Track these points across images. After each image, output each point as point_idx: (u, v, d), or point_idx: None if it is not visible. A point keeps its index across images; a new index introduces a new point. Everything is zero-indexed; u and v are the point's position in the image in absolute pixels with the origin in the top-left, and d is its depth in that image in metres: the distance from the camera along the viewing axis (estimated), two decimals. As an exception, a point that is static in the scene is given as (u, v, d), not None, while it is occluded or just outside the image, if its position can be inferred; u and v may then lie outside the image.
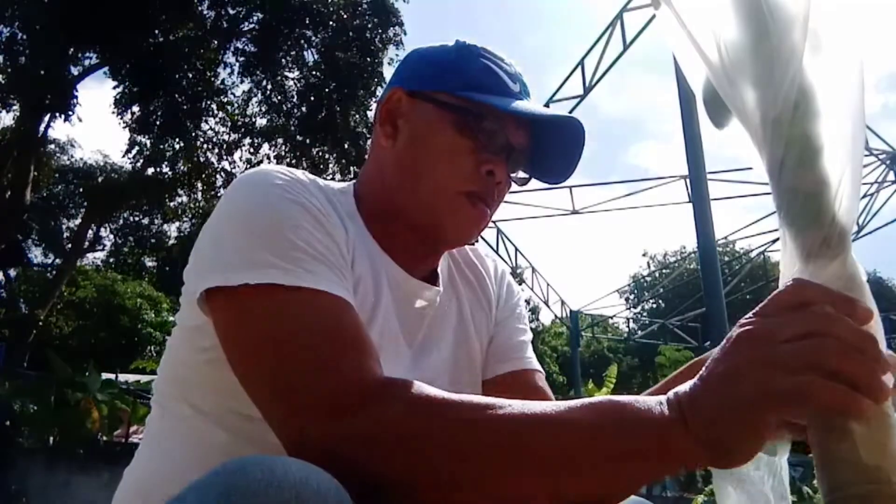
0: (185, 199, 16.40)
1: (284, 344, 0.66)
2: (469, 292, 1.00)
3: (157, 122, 13.43)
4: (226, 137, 14.90)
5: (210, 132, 14.67)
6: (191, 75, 13.33)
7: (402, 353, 0.86)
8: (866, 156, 8.05)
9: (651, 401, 0.56)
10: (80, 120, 14.24)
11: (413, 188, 0.87)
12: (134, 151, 14.05)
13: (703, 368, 0.55)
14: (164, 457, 0.81)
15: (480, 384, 0.97)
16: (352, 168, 13.95)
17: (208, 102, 14.04)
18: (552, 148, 0.90)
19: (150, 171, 14.64)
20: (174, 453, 0.79)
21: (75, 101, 12.97)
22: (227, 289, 0.70)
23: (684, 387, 0.56)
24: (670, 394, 0.56)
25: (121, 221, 21.60)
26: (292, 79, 14.52)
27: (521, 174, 0.93)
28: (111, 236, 22.08)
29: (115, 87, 13.18)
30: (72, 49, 12.75)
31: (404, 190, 0.87)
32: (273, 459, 0.51)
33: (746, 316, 0.55)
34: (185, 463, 0.76)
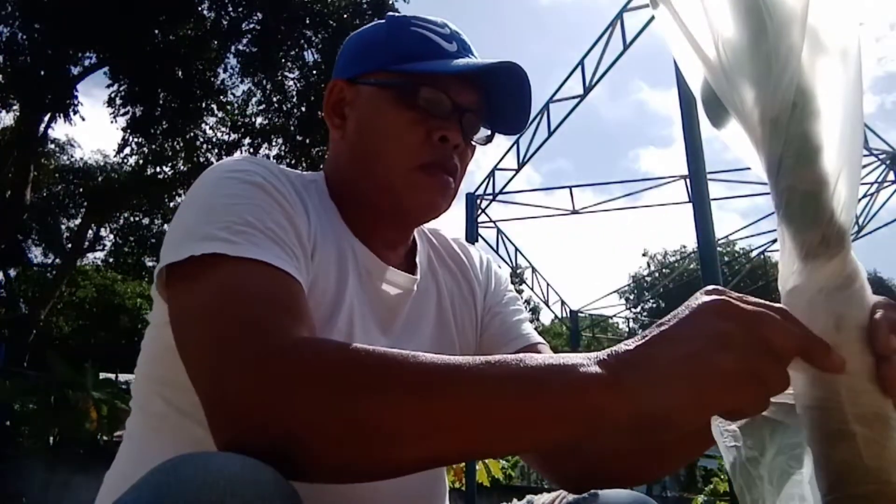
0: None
1: (218, 311, 0.64)
2: (450, 281, 0.99)
3: (157, 123, 13.44)
4: (225, 138, 14.91)
5: (210, 132, 14.68)
6: (192, 75, 13.33)
7: (375, 341, 0.83)
8: (866, 156, 8.05)
9: (578, 358, 0.55)
10: (84, 119, 14.25)
11: (368, 173, 0.86)
12: (126, 150, 14.05)
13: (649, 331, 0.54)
14: (143, 457, 0.76)
15: None
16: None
17: (208, 102, 14.04)
18: (503, 98, 0.88)
19: (150, 171, 14.64)
20: (153, 453, 0.74)
21: (75, 100, 12.98)
22: (176, 266, 0.68)
23: (624, 345, 0.54)
24: (605, 352, 0.55)
25: (121, 221, 21.61)
26: (292, 79, 14.53)
27: (482, 133, 0.91)
28: (111, 236, 22.09)
29: (107, 86, 13.17)
30: (72, 49, 12.75)
31: (361, 177, 0.87)
32: (209, 455, 0.50)
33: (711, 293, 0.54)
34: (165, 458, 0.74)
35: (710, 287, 0.54)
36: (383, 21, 0.91)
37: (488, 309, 1.00)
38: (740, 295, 0.54)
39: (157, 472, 0.49)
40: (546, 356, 0.57)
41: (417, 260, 0.95)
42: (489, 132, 0.92)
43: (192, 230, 0.70)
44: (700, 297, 0.54)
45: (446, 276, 0.99)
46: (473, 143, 0.91)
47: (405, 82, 0.84)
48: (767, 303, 0.54)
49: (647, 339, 0.54)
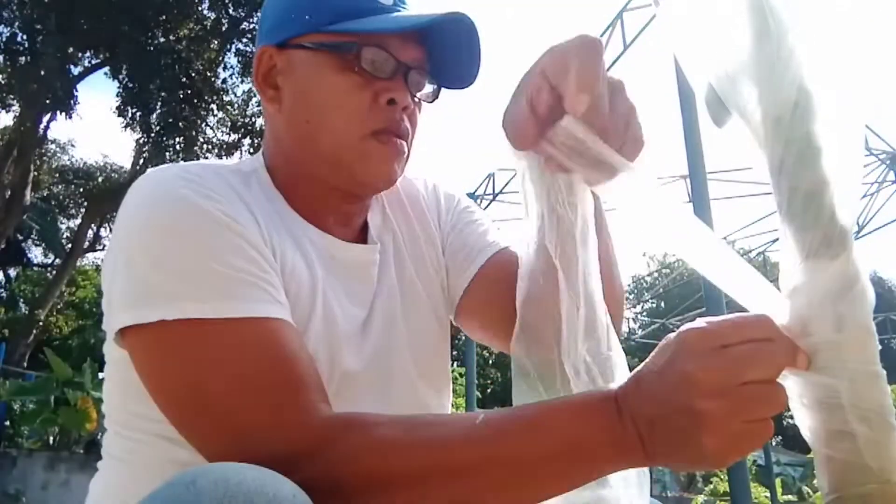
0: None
1: (219, 392, 0.61)
2: (405, 229, 0.92)
3: (158, 123, 13.43)
4: (225, 138, 14.90)
5: (210, 132, 14.68)
6: (192, 75, 13.32)
7: (352, 323, 0.80)
8: (866, 156, 8.05)
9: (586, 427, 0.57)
10: (81, 118, 14.23)
11: (313, 146, 0.79)
12: (136, 156, 14.04)
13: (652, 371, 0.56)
14: (130, 475, 0.75)
15: (439, 316, 0.91)
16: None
17: (208, 102, 14.03)
18: (449, 51, 0.80)
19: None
20: (141, 472, 0.74)
21: (76, 100, 12.97)
22: (142, 326, 0.64)
23: (628, 385, 0.57)
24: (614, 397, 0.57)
25: (121, 221, 21.55)
26: (292, 79, 14.52)
27: (427, 89, 0.83)
28: (111, 236, 22.05)
29: (117, 95, 13.17)
30: (72, 49, 12.74)
31: (306, 150, 0.80)
32: (227, 468, 0.49)
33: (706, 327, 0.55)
34: (152, 481, 0.71)
35: (684, 333, 0.55)
36: None
37: (446, 234, 0.94)
38: (717, 332, 0.54)
39: (175, 484, 0.49)
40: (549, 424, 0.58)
41: (370, 224, 0.89)
42: (435, 87, 0.85)
43: (150, 285, 0.64)
44: (676, 358, 0.54)
45: (404, 227, 0.92)
46: (420, 102, 0.83)
47: (344, 43, 0.76)
48: (747, 328, 0.54)
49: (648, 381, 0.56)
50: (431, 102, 0.86)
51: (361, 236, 0.88)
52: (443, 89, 0.86)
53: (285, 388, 0.61)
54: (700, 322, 0.55)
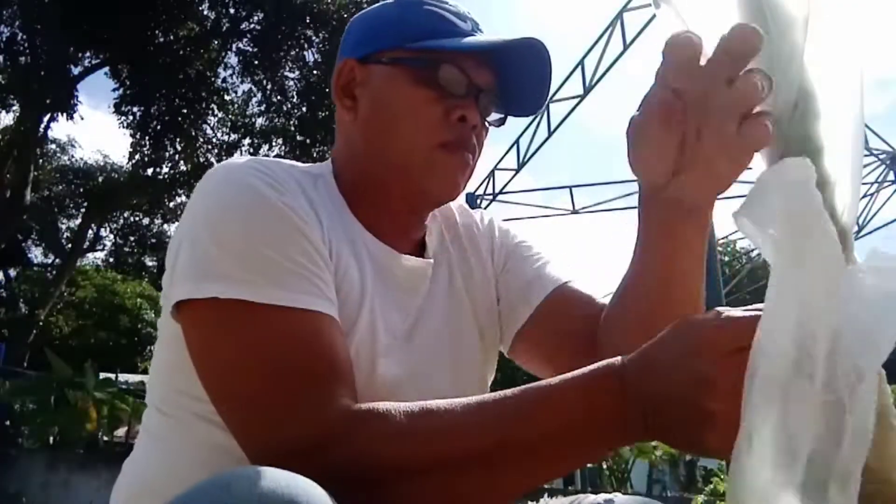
0: (184, 199, 16.39)
1: (253, 374, 0.64)
2: (459, 256, 0.95)
3: (158, 123, 13.43)
4: (225, 138, 14.91)
5: (210, 132, 14.68)
6: (192, 75, 13.33)
7: (396, 333, 0.82)
8: (866, 156, 8.05)
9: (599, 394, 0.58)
10: (82, 118, 14.23)
11: (384, 154, 0.83)
12: (137, 157, 14.03)
13: (664, 351, 0.56)
14: (167, 456, 0.78)
15: (486, 344, 0.93)
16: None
17: (209, 102, 14.03)
18: (520, 78, 0.85)
19: (150, 171, 14.63)
20: (177, 454, 0.76)
21: (76, 100, 12.98)
22: (196, 301, 0.67)
23: (637, 369, 0.57)
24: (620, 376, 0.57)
25: (121, 221, 21.62)
26: (292, 79, 14.51)
27: (495, 115, 0.88)
28: (111, 236, 22.10)
29: (114, 90, 13.17)
30: (72, 49, 12.74)
31: (375, 158, 0.84)
32: (260, 473, 0.50)
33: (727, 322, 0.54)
34: (189, 463, 0.74)
35: (702, 328, 0.54)
36: (392, 1, 0.88)
37: (500, 268, 0.96)
38: (736, 334, 0.52)
39: (211, 485, 0.50)
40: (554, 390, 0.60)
41: (427, 241, 0.92)
42: (502, 115, 0.90)
43: (212, 262, 0.68)
44: (691, 354, 0.53)
45: (457, 252, 0.95)
46: (487, 125, 0.88)
47: (423, 59, 0.81)
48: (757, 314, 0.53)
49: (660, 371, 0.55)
50: (497, 126, 0.90)
51: (417, 251, 0.90)
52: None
53: (314, 379, 0.64)
54: (719, 316, 0.54)
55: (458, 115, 0.81)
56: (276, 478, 0.50)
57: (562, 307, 0.90)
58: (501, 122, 0.90)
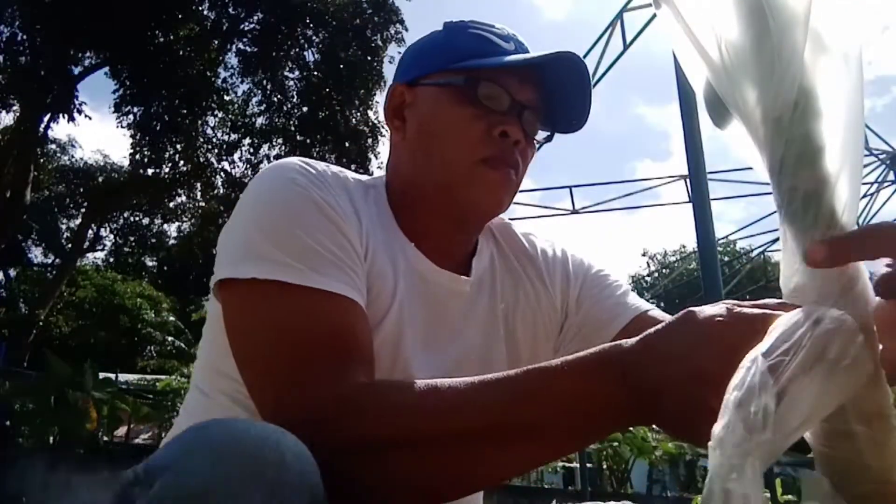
0: (184, 199, 16.41)
1: (277, 344, 0.68)
2: (511, 286, 0.95)
3: (158, 123, 13.43)
4: (225, 138, 14.91)
5: (210, 132, 14.68)
6: (192, 74, 13.33)
7: (421, 341, 0.85)
8: (866, 156, 8.05)
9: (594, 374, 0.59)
10: (89, 118, 14.19)
11: (428, 170, 0.86)
12: (137, 157, 14.02)
13: (664, 339, 0.56)
14: None
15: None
16: (352, 167, 13.89)
17: (209, 102, 14.03)
18: (561, 94, 0.87)
19: (150, 171, 14.63)
20: None
21: (76, 100, 12.98)
22: (236, 280, 0.72)
23: (634, 355, 0.57)
24: (617, 362, 0.58)
25: (121, 221, 21.63)
26: (292, 79, 14.52)
27: (542, 132, 0.91)
28: (111, 236, 22.12)
29: (114, 91, 13.17)
30: (72, 49, 12.74)
31: (421, 175, 0.87)
32: (236, 420, 0.54)
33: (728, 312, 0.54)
34: None
35: (708, 323, 0.54)
36: (441, 29, 0.92)
37: (576, 298, 0.97)
38: (741, 332, 0.52)
39: (189, 430, 0.54)
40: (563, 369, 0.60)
41: (474, 262, 0.93)
42: (549, 132, 0.92)
43: (253, 246, 0.73)
44: (695, 347, 0.53)
45: (510, 280, 0.96)
46: (534, 143, 0.90)
47: (464, 79, 0.84)
48: (766, 311, 0.53)
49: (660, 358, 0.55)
50: (543, 144, 0.92)
51: (461, 270, 0.91)
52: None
53: (334, 353, 0.67)
54: (726, 311, 0.53)
55: (500, 130, 0.83)
56: (251, 424, 0.54)
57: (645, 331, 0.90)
58: (549, 139, 0.92)
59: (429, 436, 0.60)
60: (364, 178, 0.91)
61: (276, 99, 14.51)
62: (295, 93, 14.53)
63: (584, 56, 8.05)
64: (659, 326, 0.57)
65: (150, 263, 24.30)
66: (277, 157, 14.55)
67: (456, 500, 0.65)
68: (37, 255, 21.62)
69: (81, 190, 20.08)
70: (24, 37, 12.63)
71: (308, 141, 14.34)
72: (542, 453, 0.62)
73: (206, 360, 0.86)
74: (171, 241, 21.74)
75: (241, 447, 0.50)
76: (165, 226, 20.97)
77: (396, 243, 0.86)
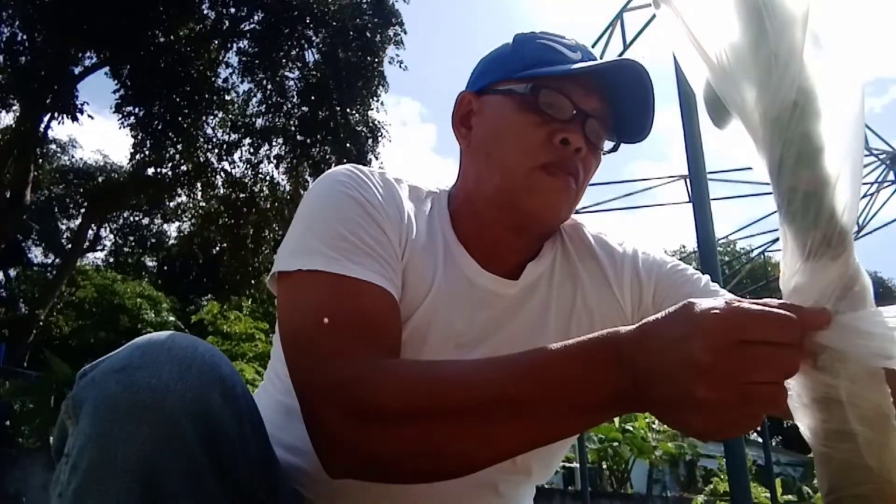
0: (185, 199, 16.40)
1: (311, 325, 0.74)
2: (570, 292, 0.94)
3: (158, 123, 13.42)
4: (226, 138, 14.89)
5: (210, 132, 14.67)
6: (192, 74, 13.32)
7: (453, 339, 0.86)
8: (866, 156, 8.05)
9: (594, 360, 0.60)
10: (92, 117, 14.18)
11: (489, 175, 0.88)
12: (137, 157, 14.01)
13: (661, 330, 0.57)
14: (261, 402, 0.85)
15: None
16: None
17: (209, 102, 14.02)
18: (625, 103, 0.88)
19: (150, 171, 14.61)
20: (258, 404, 0.83)
21: (77, 100, 12.97)
22: (287, 272, 0.79)
23: (632, 345, 0.58)
24: (615, 348, 0.59)
25: (121, 221, 21.63)
26: (292, 79, 14.51)
27: (607, 142, 0.91)
28: (111, 236, 22.12)
29: (115, 91, 13.17)
30: (72, 49, 12.73)
31: (482, 181, 0.89)
32: (168, 332, 0.67)
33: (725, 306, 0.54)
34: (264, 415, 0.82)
35: (706, 315, 0.53)
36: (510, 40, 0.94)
37: (651, 300, 0.95)
38: (739, 326, 0.52)
39: (151, 335, 0.68)
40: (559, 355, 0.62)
41: (529, 266, 0.92)
42: (615, 142, 0.92)
43: (301, 242, 0.80)
44: (691, 339, 0.53)
45: (565, 285, 0.94)
46: (599, 152, 0.90)
47: (527, 87, 0.86)
48: (771, 328, 0.52)
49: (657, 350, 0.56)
50: (608, 153, 0.93)
51: (514, 274, 0.91)
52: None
53: (361, 333, 0.73)
54: (724, 305, 0.53)
55: (561, 137, 0.84)
56: (178, 335, 0.67)
57: None
58: (615, 149, 0.93)
59: (430, 408, 0.64)
60: (432, 186, 0.96)
61: (276, 99, 14.49)
62: (295, 93, 14.50)
63: (584, 56, 8.05)
64: (658, 315, 0.58)
65: (150, 263, 24.29)
66: (277, 156, 14.56)
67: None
68: (37, 255, 21.63)
69: (81, 190, 20.07)
70: (24, 37, 12.61)
71: (308, 141, 14.32)
72: (538, 432, 0.64)
73: (274, 350, 0.95)
74: (171, 241, 21.73)
75: (160, 339, 0.66)
76: (165, 226, 20.99)
77: (445, 244, 0.89)
